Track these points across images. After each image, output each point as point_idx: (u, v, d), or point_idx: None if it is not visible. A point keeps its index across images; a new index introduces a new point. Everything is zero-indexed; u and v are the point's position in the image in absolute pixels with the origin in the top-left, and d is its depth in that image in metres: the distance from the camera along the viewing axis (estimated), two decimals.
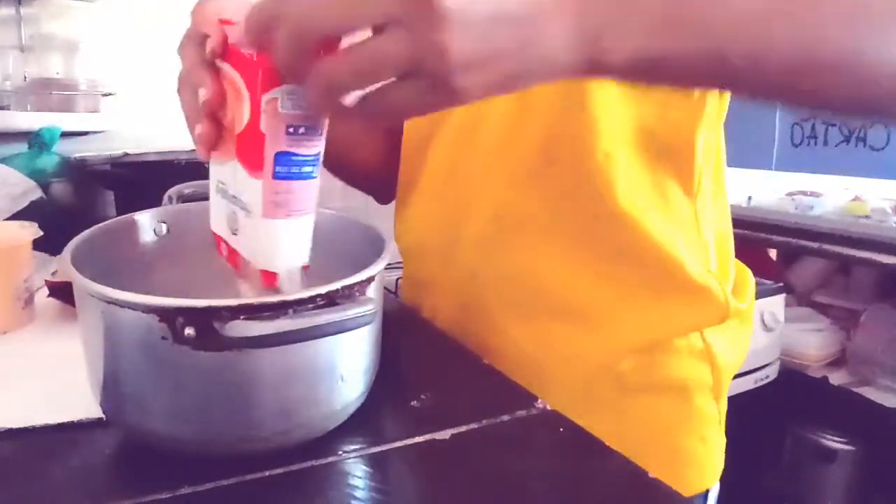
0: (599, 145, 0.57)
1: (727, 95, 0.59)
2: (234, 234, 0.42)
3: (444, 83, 0.32)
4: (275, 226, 0.39)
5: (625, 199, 0.58)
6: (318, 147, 0.39)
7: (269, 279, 0.41)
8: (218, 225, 0.44)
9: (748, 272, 0.69)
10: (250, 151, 0.38)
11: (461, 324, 0.65)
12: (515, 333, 0.62)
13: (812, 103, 0.43)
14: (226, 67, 0.39)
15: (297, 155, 0.38)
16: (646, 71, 0.36)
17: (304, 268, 0.42)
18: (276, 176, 0.38)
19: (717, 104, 0.60)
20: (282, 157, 0.38)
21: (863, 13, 0.38)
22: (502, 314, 0.63)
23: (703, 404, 0.64)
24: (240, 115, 0.38)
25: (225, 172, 0.41)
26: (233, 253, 0.43)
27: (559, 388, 0.59)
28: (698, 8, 0.36)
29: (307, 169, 0.39)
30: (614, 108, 0.57)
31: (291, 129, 0.37)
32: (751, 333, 0.68)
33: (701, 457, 0.65)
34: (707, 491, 0.65)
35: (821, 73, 0.38)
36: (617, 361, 0.61)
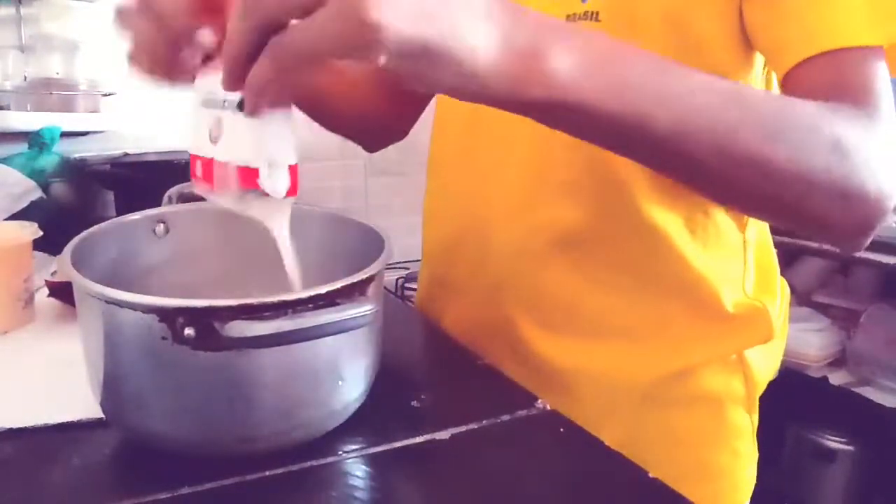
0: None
1: None
2: (215, 142, 0.40)
3: (353, 9, 0.30)
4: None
5: (659, 214, 0.56)
6: None
7: (249, 178, 0.39)
8: (197, 143, 0.43)
9: (784, 282, 0.67)
10: None
11: (483, 330, 0.63)
12: (541, 347, 0.60)
13: (715, 190, 0.46)
14: None
15: None
16: (571, 101, 0.36)
17: (292, 168, 0.40)
18: None
19: None
20: None
21: (775, 124, 0.41)
22: (529, 327, 0.61)
23: (735, 417, 0.62)
24: None
25: (218, 80, 0.40)
26: (208, 166, 0.41)
27: (586, 401, 0.58)
28: (640, 66, 0.38)
29: None
30: None
31: None
32: (784, 342, 0.66)
33: (733, 471, 0.63)
34: None
35: (730, 164, 0.40)
36: (649, 378, 0.60)
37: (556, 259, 0.59)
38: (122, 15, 0.41)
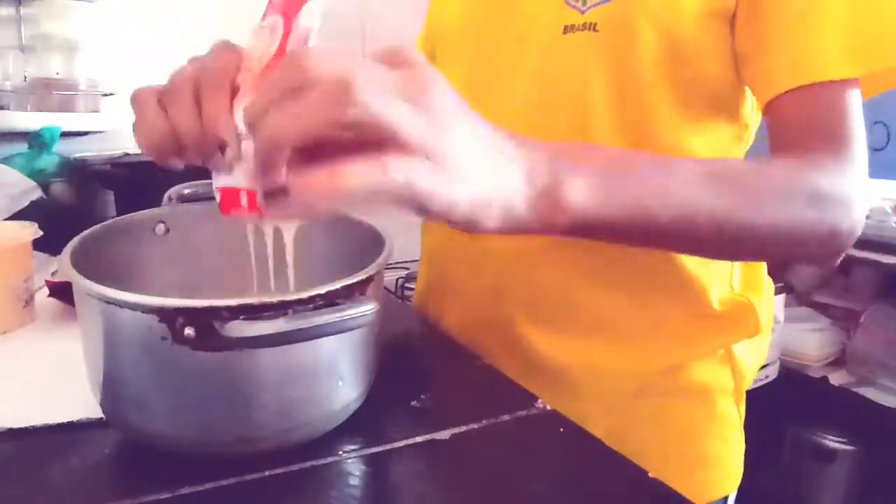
0: None
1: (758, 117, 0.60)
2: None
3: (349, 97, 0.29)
4: None
5: None
6: None
7: None
8: (233, 177, 0.43)
9: (769, 278, 0.69)
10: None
11: (483, 330, 0.64)
12: (540, 345, 0.62)
13: (717, 257, 0.54)
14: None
15: None
16: (590, 220, 0.39)
17: None
18: None
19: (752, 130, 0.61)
20: None
21: (761, 194, 0.45)
22: (528, 325, 0.62)
23: (724, 408, 0.64)
24: (268, 52, 0.40)
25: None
26: (252, 196, 0.42)
27: (582, 396, 0.60)
28: (639, 174, 0.42)
29: None
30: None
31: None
32: (769, 337, 0.69)
33: (724, 459, 0.65)
34: (726, 498, 0.66)
35: (728, 237, 0.45)
36: (644, 372, 0.61)
37: (554, 259, 0.60)
38: (138, 100, 0.40)
